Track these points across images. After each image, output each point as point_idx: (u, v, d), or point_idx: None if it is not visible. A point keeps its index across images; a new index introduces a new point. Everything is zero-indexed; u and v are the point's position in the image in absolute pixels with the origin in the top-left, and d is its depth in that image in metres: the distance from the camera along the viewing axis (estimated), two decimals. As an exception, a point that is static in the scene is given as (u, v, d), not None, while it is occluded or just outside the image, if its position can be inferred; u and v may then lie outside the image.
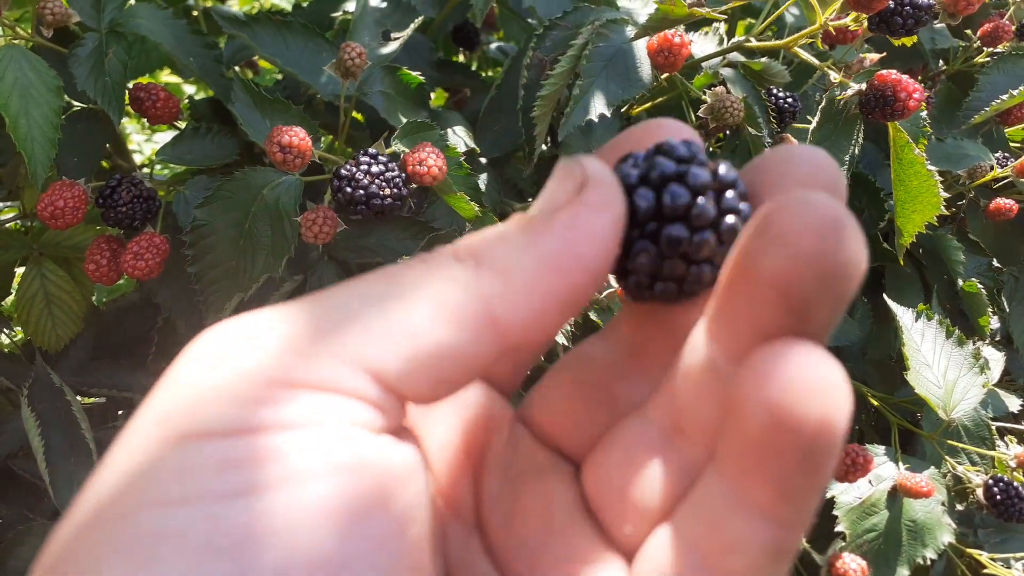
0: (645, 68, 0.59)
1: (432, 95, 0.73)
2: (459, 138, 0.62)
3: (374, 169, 0.46)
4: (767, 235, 0.17)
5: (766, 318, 0.17)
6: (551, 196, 0.20)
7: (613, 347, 0.23)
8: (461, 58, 0.98)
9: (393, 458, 0.18)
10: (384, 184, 0.46)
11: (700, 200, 0.20)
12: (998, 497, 0.73)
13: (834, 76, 0.58)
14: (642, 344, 0.23)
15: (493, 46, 0.98)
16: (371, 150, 0.48)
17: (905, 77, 0.55)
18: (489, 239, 0.20)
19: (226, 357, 0.18)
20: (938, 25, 0.96)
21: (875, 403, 0.83)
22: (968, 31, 0.95)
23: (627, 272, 0.21)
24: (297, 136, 0.46)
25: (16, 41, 0.57)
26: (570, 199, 0.20)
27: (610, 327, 0.24)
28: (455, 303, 0.19)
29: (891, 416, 0.81)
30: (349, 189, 0.46)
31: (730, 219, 0.20)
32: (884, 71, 0.56)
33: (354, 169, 0.47)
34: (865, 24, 0.55)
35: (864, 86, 0.57)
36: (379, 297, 0.19)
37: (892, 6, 0.53)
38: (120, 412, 0.78)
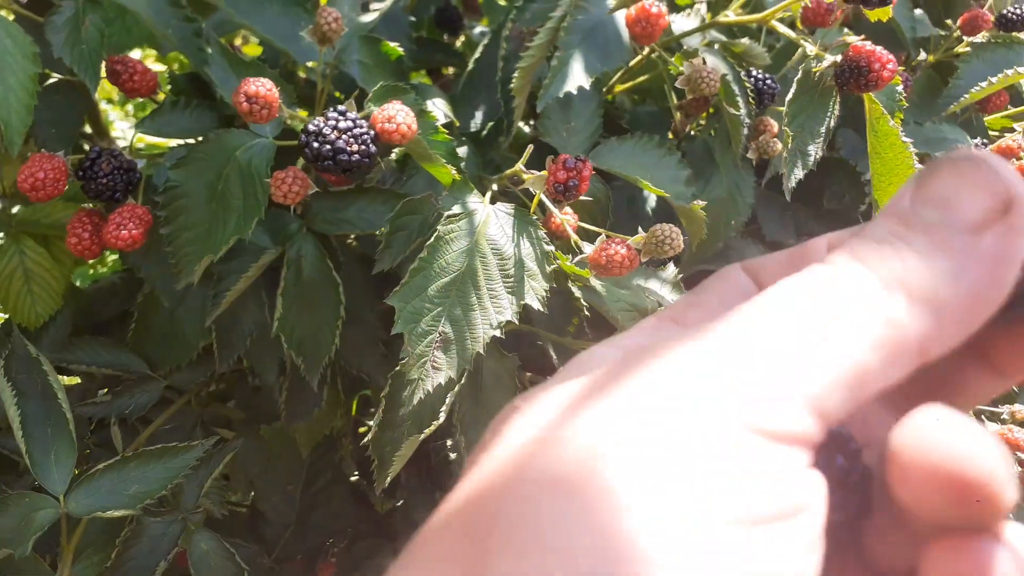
0: (624, 40, 0.60)
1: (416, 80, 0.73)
2: (438, 110, 0.62)
3: (342, 125, 0.46)
4: None
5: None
6: (959, 206, 0.19)
7: None
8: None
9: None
10: (352, 140, 0.46)
11: None
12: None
13: (810, 49, 0.59)
14: None
15: (477, 31, 0.98)
16: (340, 107, 0.47)
17: (879, 48, 0.56)
18: (909, 263, 0.19)
19: (691, 382, 0.18)
20: (918, 12, 0.97)
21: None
22: (948, 20, 0.96)
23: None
24: (264, 87, 0.46)
25: (-8, 9, 0.57)
26: (995, 219, 0.19)
27: None
28: (894, 343, 0.19)
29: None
30: (316, 144, 0.46)
31: None
32: (859, 43, 0.57)
33: (322, 124, 0.46)
34: (840, -4, 0.56)
35: (839, 58, 0.57)
36: (810, 326, 0.19)
37: (866, -23, 0.54)
38: (101, 390, 0.78)
